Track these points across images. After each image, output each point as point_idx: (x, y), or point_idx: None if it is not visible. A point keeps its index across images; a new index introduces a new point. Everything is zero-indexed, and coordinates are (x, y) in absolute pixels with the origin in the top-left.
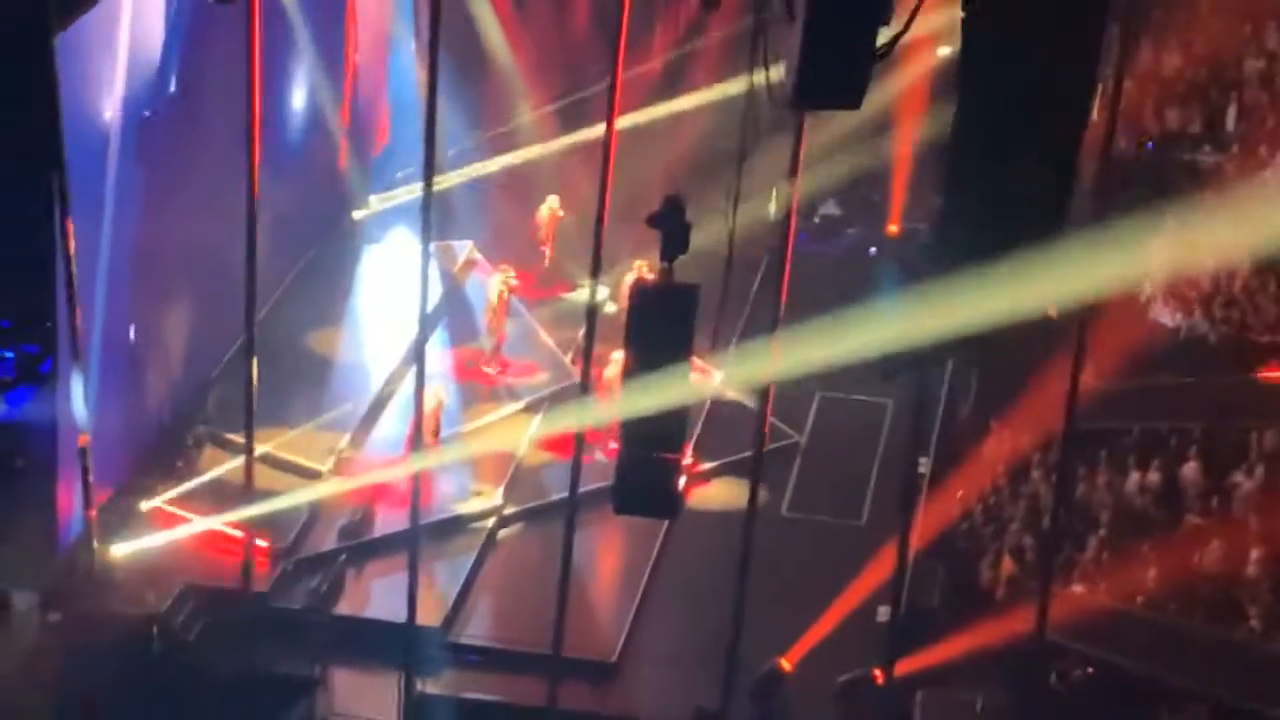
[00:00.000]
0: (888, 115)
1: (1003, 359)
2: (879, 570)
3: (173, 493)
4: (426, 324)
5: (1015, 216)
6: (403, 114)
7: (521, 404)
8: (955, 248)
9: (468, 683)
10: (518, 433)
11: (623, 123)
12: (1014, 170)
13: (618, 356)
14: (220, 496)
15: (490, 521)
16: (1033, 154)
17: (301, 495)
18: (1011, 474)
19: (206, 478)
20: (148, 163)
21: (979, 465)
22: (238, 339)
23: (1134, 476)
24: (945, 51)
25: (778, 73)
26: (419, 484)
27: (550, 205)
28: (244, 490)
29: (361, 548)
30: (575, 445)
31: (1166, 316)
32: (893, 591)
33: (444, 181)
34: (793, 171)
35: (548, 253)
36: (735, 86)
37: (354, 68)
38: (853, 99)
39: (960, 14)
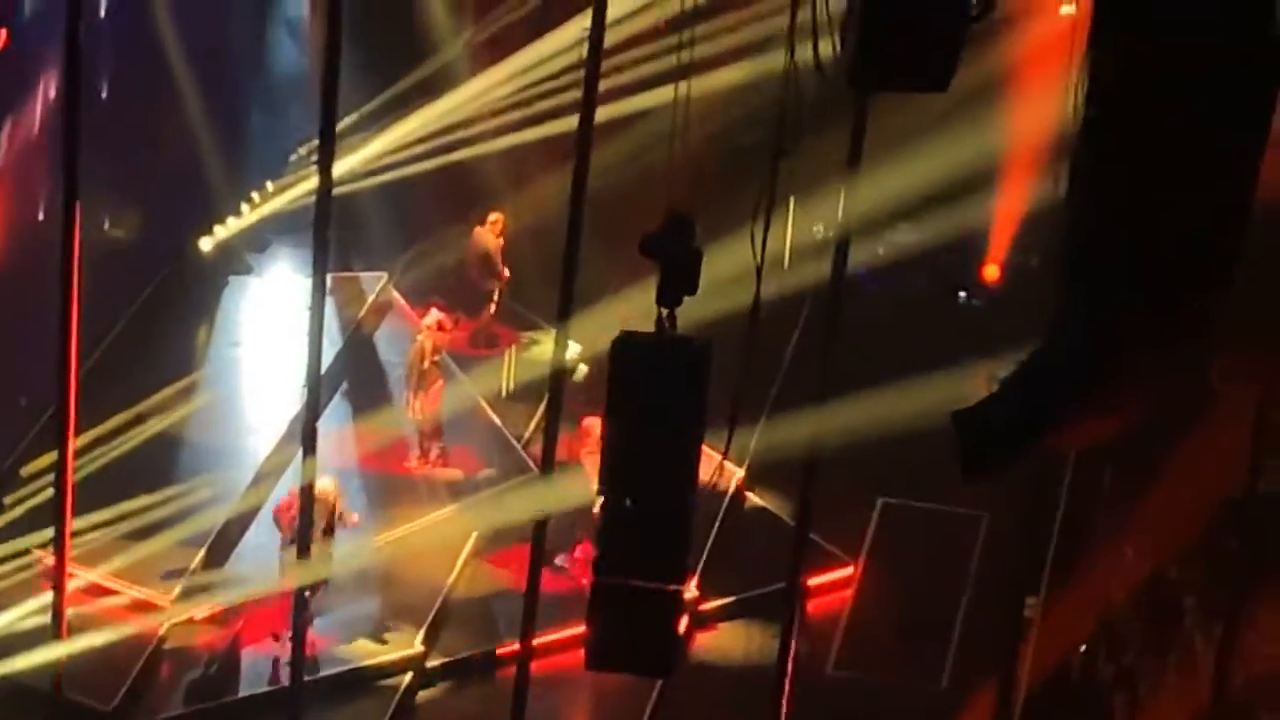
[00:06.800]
0: (986, 101)
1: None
2: None
3: None
4: (318, 391)
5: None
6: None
7: (452, 508)
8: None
9: None
10: (447, 549)
11: (606, 108)
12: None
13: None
14: (12, 635)
15: (405, 678)
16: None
17: (133, 636)
18: (1145, 606)
19: None
20: None
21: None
22: (45, 411)
23: None
24: (1070, 10)
25: (831, 39)
26: (303, 622)
27: (491, 228)
28: (49, 629)
29: (219, 714)
30: (530, 568)
31: None
32: None
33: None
34: (850, 178)
35: (495, 291)
36: (769, 58)
37: None
38: (937, 76)
39: None
